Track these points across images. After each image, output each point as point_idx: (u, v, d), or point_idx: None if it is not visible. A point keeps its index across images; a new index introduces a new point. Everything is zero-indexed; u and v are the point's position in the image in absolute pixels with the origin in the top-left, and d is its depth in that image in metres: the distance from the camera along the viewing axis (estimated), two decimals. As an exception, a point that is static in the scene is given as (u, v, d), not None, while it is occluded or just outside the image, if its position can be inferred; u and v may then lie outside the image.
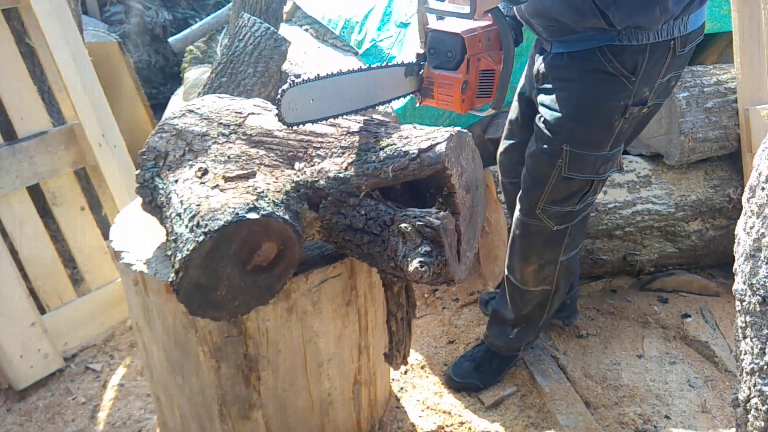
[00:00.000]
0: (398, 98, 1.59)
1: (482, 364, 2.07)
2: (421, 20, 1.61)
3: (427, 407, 2.00)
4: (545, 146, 1.69)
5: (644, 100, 1.62)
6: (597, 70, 1.58)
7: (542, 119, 1.71)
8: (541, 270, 1.87)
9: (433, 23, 1.62)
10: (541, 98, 1.72)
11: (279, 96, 1.35)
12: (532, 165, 1.75)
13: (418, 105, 1.66)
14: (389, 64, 1.56)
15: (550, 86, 1.69)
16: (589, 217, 1.87)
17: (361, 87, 1.50)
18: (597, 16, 1.49)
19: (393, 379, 2.10)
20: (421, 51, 1.61)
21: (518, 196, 1.83)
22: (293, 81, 1.37)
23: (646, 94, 1.61)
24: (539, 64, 1.74)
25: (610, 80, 1.58)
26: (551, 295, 1.93)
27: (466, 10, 1.50)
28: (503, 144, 2.07)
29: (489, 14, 1.57)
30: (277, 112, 1.37)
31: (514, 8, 1.73)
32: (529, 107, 1.89)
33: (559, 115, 1.65)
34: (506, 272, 1.95)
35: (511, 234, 1.89)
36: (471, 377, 2.05)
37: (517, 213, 1.84)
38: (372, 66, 1.52)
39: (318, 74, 1.42)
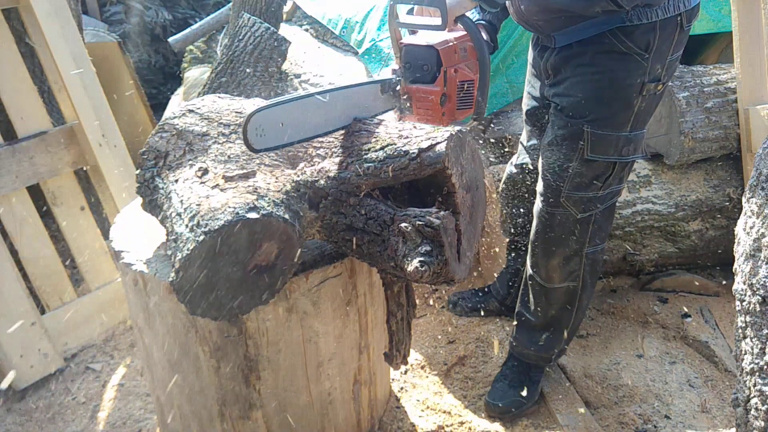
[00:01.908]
0: (375, 116, 1.55)
1: (517, 380, 1.98)
2: (394, 36, 1.59)
3: (427, 407, 2.00)
4: (565, 131, 1.69)
5: (658, 76, 1.63)
6: (610, 51, 1.59)
7: (559, 107, 1.71)
8: (566, 263, 1.82)
9: (407, 38, 1.59)
10: (555, 90, 1.73)
11: (245, 120, 1.27)
12: (552, 152, 1.74)
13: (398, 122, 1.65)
14: (365, 81, 1.52)
15: (563, 76, 1.70)
16: (615, 209, 1.84)
17: (337, 107, 1.44)
18: None
19: (393, 379, 2.10)
20: (397, 67, 1.59)
21: (539, 189, 1.81)
22: (261, 105, 1.29)
23: (659, 71, 1.63)
24: (545, 61, 1.74)
25: (624, 59, 1.59)
26: (578, 292, 1.87)
27: (437, 21, 1.49)
28: (515, 165, 2.09)
29: (459, 23, 1.55)
30: (242, 137, 1.29)
31: (510, 10, 1.73)
32: (541, 121, 1.89)
33: (578, 98, 1.65)
34: (530, 272, 1.90)
35: (533, 230, 1.85)
36: (510, 396, 1.94)
37: (538, 206, 1.81)
38: (346, 84, 1.47)
39: (289, 95, 1.35)
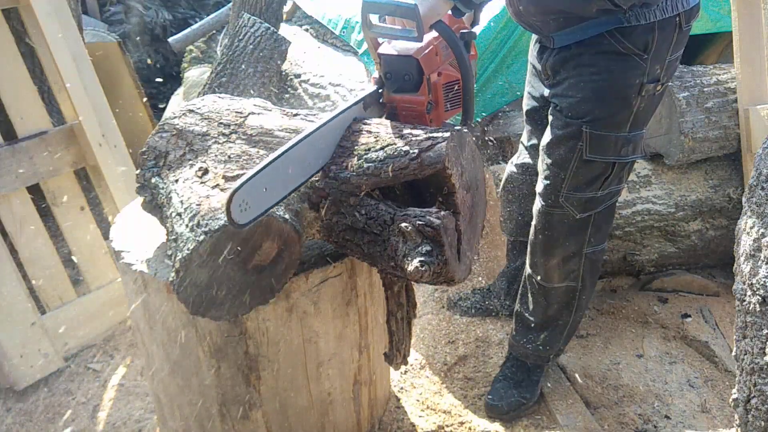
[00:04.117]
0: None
1: (516, 380, 1.98)
2: (371, 45, 1.53)
3: (427, 407, 2.00)
4: (564, 131, 1.69)
5: (657, 77, 1.63)
6: (609, 51, 1.59)
7: (557, 108, 1.70)
8: (566, 263, 1.81)
9: (383, 47, 1.53)
10: (554, 91, 1.73)
11: (227, 199, 1.16)
12: (550, 153, 1.74)
13: None
14: (345, 107, 1.46)
15: (562, 77, 1.69)
16: (615, 209, 1.83)
17: (320, 144, 1.38)
18: None
19: (393, 380, 2.10)
20: (377, 75, 1.53)
21: (538, 190, 1.81)
22: (241, 180, 1.18)
23: (658, 71, 1.62)
24: (544, 61, 1.74)
25: (623, 60, 1.59)
26: (577, 292, 1.87)
27: (413, 33, 1.42)
28: (516, 164, 2.10)
29: (434, 29, 1.49)
30: (225, 215, 1.17)
31: (510, 10, 1.72)
32: (542, 121, 1.89)
33: (577, 98, 1.65)
34: (529, 271, 1.90)
35: (533, 230, 1.85)
36: (510, 396, 1.94)
37: (538, 206, 1.81)
38: (328, 118, 1.41)
39: (269, 156, 1.24)
